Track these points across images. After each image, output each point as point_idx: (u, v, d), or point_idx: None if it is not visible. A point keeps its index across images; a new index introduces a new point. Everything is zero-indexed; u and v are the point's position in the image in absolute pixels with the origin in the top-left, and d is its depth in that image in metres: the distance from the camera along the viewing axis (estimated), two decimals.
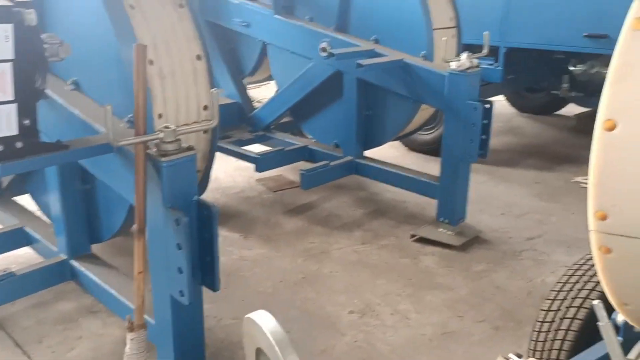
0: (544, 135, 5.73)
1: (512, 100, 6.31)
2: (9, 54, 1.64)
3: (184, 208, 1.89)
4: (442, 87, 3.12)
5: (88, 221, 2.63)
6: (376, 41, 3.56)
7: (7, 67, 1.65)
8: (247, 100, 4.52)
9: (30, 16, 1.66)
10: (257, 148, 4.24)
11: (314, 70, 3.83)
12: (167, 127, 1.89)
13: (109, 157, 2.05)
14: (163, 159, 1.86)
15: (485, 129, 3.06)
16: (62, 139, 1.96)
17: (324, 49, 3.64)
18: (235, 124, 4.42)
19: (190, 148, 1.94)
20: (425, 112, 3.79)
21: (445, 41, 3.12)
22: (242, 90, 4.51)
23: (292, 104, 4.13)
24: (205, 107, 2.43)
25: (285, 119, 4.48)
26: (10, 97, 1.69)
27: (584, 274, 1.77)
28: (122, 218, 2.43)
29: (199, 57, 2.38)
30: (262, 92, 6.89)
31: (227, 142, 4.14)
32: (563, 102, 5.79)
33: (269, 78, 4.77)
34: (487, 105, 3.06)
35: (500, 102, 6.45)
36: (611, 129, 1.06)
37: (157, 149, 1.89)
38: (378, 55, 3.39)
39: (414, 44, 3.39)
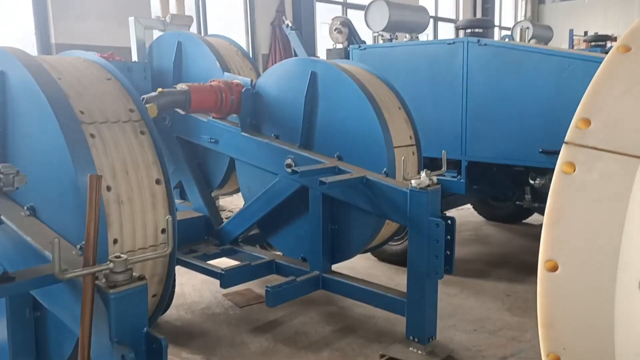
0: (513, 244, 5.79)
1: (479, 209, 6.44)
2: None
3: (133, 342, 1.79)
4: (405, 203, 3.17)
5: (37, 350, 2.48)
6: (339, 158, 3.66)
7: None
8: (215, 213, 4.52)
9: None
10: (224, 262, 4.17)
11: (280, 185, 3.89)
12: (118, 257, 1.85)
13: (58, 286, 1.97)
14: (111, 290, 1.80)
15: (449, 245, 3.08)
16: (14, 264, 1.90)
17: (289, 165, 3.74)
18: (202, 238, 4.39)
19: (142, 277, 1.88)
20: (392, 225, 3.82)
21: (404, 160, 3.22)
22: (210, 204, 4.52)
23: (259, 217, 4.13)
24: (163, 230, 2.40)
25: (253, 231, 4.46)
26: None
27: None
28: (69, 350, 2.29)
29: (158, 182, 2.39)
30: (233, 202, 6.94)
31: (193, 256, 4.07)
32: (529, 211, 5.93)
33: (237, 191, 4.82)
34: (450, 222, 3.09)
35: (468, 210, 6.59)
36: (553, 269, 1.06)
37: (106, 279, 1.83)
38: (341, 172, 3.47)
39: (376, 161, 3.49)
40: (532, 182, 4.41)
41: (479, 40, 4.31)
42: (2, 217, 2.19)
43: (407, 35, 5.60)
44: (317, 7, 11.16)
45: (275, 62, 10.19)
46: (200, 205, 4.45)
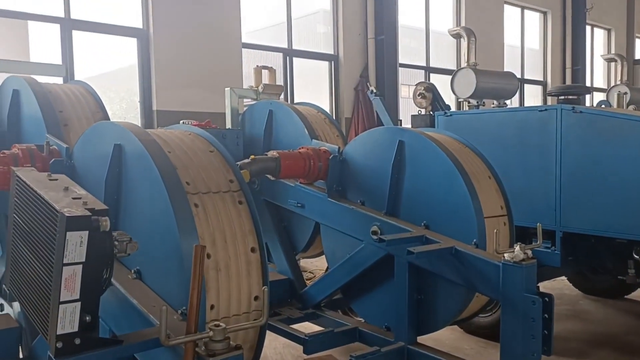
0: (616, 322, 5.35)
1: (575, 282, 6.05)
2: (82, 257, 1.78)
3: None
4: (497, 277, 3.05)
5: None
6: (426, 226, 3.62)
7: (78, 269, 1.78)
8: (299, 276, 4.57)
9: (105, 223, 1.82)
10: (307, 326, 4.17)
11: (365, 252, 3.88)
12: (217, 326, 1.92)
13: (160, 350, 2.07)
14: (210, 358, 1.86)
15: (547, 324, 2.90)
16: (120, 325, 2.02)
17: (374, 233, 3.74)
18: (286, 301, 4.43)
19: (238, 347, 1.94)
20: (482, 298, 3.67)
21: (496, 232, 3.13)
22: (295, 267, 4.59)
23: (343, 283, 4.12)
24: (256, 298, 2.47)
25: (336, 296, 4.45)
26: (77, 296, 1.79)
27: None
28: None
29: (253, 250, 2.49)
30: (314, 263, 6.99)
31: (276, 320, 4.10)
32: (633, 287, 5.49)
33: (321, 254, 4.86)
34: (547, 299, 2.93)
35: (562, 282, 6.20)
36: None
37: (205, 347, 1.90)
38: (429, 241, 3.42)
39: (465, 232, 3.42)
40: (636, 256, 4.11)
41: (573, 108, 4.19)
42: (112, 279, 2.35)
43: (495, 101, 5.56)
44: (400, 71, 11.40)
45: (358, 126, 10.48)
46: (284, 268, 4.53)
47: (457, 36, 7.34)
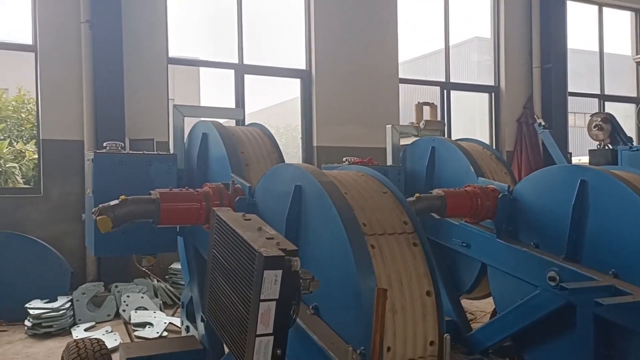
0: None
1: None
2: (276, 294, 1.91)
3: None
4: None
5: None
6: (615, 275, 3.27)
7: (273, 305, 1.92)
8: (464, 318, 4.40)
9: (296, 263, 1.94)
10: None
11: (540, 299, 3.61)
12: None
13: None
14: None
15: None
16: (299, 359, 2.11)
17: (552, 279, 3.47)
18: (451, 344, 4.27)
19: None
20: None
21: None
22: (459, 308, 4.43)
23: (515, 330, 3.86)
24: (432, 343, 2.43)
25: (506, 343, 4.19)
26: (270, 331, 1.93)
27: None
28: None
29: (428, 293, 2.46)
30: (473, 304, 6.67)
31: None
32: None
33: (486, 296, 4.64)
34: None
35: None
36: None
37: None
38: (618, 292, 3.08)
39: None
40: None
41: None
42: None
43: None
44: (569, 100, 10.61)
45: (522, 160, 9.92)
46: (447, 309, 4.39)
47: None
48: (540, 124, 6.88)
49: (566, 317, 3.50)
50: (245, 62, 8.71)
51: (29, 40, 7.40)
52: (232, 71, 8.67)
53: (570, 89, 10.66)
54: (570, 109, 10.86)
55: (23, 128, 12.21)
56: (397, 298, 2.39)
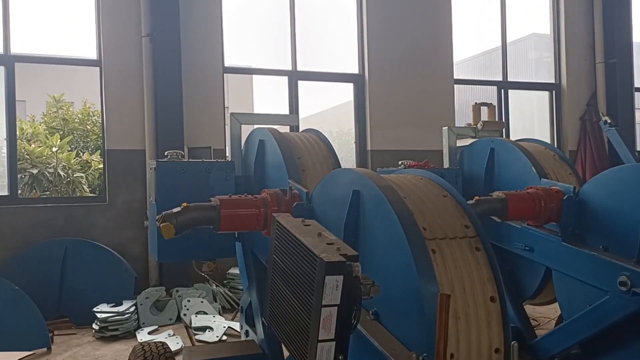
0: None
1: None
2: (337, 300, 1.91)
3: None
4: None
5: None
6: None
7: (334, 311, 1.92)
8: (528, 325, 4.26)
9: (357, 268, 1.94)
10: None
11: (611, 304, 3.44)
12: None
13: None
14: None
15: None
16: None
17: (623, 284, 3.30)
18: None
19: None
20: None
21: None
22: (522, 314, 4.29)
23: (583, 337, 3.70)
24: (497, 350, 2.35)
25: (573, 350, 4.01)
26: (332, 336, 1.93)
27: None
28: None
29: (492, 299, 2.39)
30: (536, 309, 6.43)
31: None
32: None
33: (552, 301, 4.46)
34: None
35: None
36: None
37: None
38: None
39: None
40: None
41: None
42: None
43: None
44: (636, 96, 10.08)
45: (586, 159, 9.51)
46: (511, 315, 4.25)
47: None
48: (605, 121, 6.56)
49: (638, 323, 3.32)
50: (299, 68, 8.79)
51: (93, 55, 7.77)
52: (285, 78, 8.77)
53: (637, 84, 10.15)
54: (638, 105, 10.33)
55: (89, 139, 12.82)
56: (460, 304, 2.33)
